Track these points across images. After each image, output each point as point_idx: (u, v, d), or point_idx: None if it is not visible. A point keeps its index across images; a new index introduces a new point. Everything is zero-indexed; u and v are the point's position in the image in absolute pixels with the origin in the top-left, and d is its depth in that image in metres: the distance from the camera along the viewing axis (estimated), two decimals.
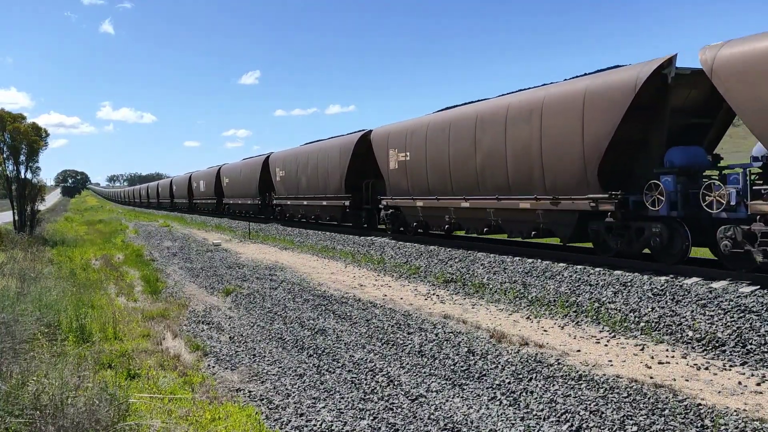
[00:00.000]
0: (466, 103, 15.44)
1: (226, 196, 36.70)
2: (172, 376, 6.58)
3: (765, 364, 6.21)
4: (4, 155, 25.05)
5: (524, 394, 5.70)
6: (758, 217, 8.68)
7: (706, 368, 6.19)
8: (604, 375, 6.03)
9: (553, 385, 5.86)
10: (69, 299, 9.57)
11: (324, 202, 22.56)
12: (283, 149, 28.41)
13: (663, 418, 4.95)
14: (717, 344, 6.81)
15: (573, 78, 11.91)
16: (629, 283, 9.22)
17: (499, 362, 6.61)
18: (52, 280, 11.63)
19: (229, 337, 8.43)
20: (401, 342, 7.65)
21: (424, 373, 6.47)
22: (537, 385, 5.88)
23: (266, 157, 29.50)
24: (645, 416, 5.01)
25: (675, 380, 5.85)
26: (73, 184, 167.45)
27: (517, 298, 9.73)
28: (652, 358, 6.57)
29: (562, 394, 5.62)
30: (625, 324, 7.87)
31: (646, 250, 10.70)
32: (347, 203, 20.70)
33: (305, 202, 24.36)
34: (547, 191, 11.80)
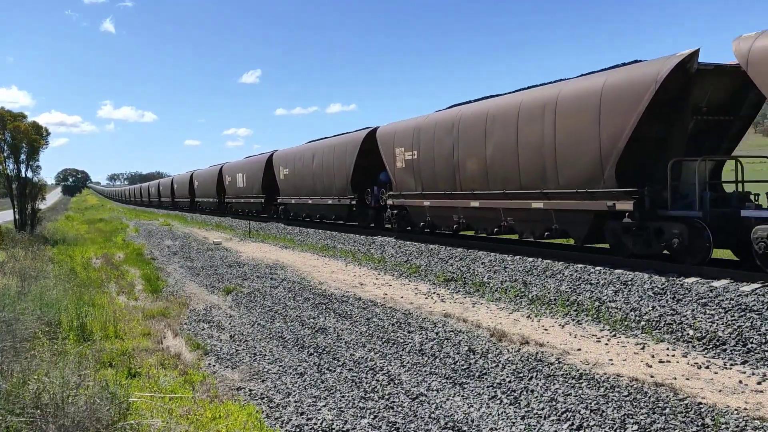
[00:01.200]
0: None
1: (284, 193, 26.33)
2: (172, 375, 6.58)
3: (766, 362, 6.21)
4: (5, 154, 25.06)
5: (525, 392, 5.70)
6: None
7: (707, 367, 6.19)
8: (605, 374, 6.03)
9: (554, 383, 5.87)
10: (69, 298, 9.58)
11: (539, 205, 11.86)
12: (402, 120, 17.62)
13: (663, 417, 4.95)
14: (718, 343, 6.81)
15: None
16: (630, 282, 9.21)
17: (500, 361, 6.61)
18: (53, 279, 11.64)
19: (230, 336, 8.43)
20: (402, 341, 7.65)
21: (425, 371, 6.47)
22: (537, 384, 5.88)
23: (369, 133, 19.03)
24: (645, 415, 5.01)
25: (675, 379, 5.85)
26: (74, 183, 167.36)
27: (518, 297, 9.73)
28: (653, 356, 6.57)
29: (562, 392, 5.63)
30: (626, 323, 7.87)
31: None
32: (630, 207, 9.85)
33: (476, 203, 13.73)
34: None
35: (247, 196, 31.79)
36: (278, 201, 27.03)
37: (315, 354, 7.35)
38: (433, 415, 5.30)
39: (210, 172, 41.19)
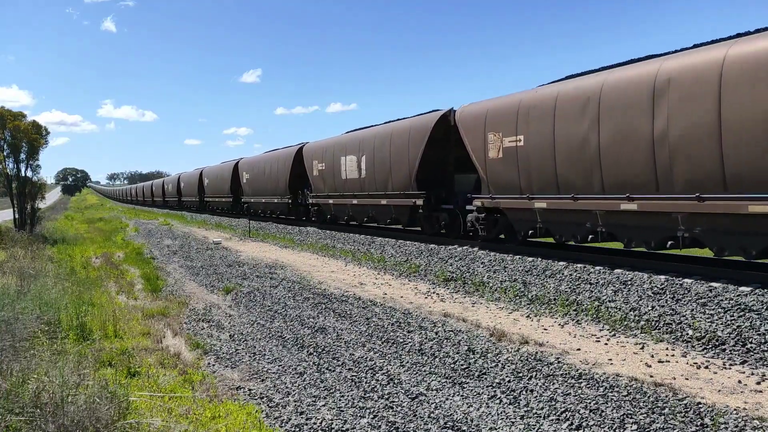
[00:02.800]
0: None
1: (500, 187, 13.08)
2: (172, 375, 6.58)
3: (765, 362, 6.21)
4: (5, 153, 25.04)
5: (524, 392, 5.71)
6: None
7: (706, 367, 6.20)
8: (604, 373, 6.04)
9: (553, 383, 5.87)
10: (69, 297, 9.57)
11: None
12: None
13: (663, 417, 4.95)
14: (717, 343, 6.81)
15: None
16: (629, 282, 9.22)
17: (499, 361, 6.62)
18: (52, 278, 11.63)
19: (229, 336, 8.43)
20: (401, 340, 7.66)
21: (424, 371, 6.48)
22: (537, 384, 5.89)
23: None
24: (645, 415, 5.02)
25: (675, 379, 5.85)
26: (74, 182, 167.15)
27: (518, 297, 9.74)
28: (652, 356, 6.57)
29: (562, 392, 5.63)
30: (625, 323, 7.87)
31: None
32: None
33: None
34: None
35: (371, 195, 18.52)
36: (481, 203, 13.75)
37: (314, 353, 7.35)
38: (432, 414, 5.30)
39: (273, 160, 27.55)
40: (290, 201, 25.65)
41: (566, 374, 6.07)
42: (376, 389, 5.99)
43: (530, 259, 11.93)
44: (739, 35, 9.02)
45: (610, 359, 6.53)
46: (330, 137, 22.97)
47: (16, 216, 26.09)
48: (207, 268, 14.85)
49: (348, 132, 22.04)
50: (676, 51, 9.90)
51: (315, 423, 5.20)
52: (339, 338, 7.95)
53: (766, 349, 6.46)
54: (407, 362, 6.79)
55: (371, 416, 5.32)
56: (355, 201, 19.89)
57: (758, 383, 5.68)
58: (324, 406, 5.61)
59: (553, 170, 11.40)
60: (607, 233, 10.75)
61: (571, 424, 4.97)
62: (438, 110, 16.11)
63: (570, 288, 9.56)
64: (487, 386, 5.94)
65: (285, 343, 7.93)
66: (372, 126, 20.32)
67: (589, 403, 5.33)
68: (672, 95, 9.20)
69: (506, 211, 13.13)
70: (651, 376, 5.91)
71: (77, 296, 9.84)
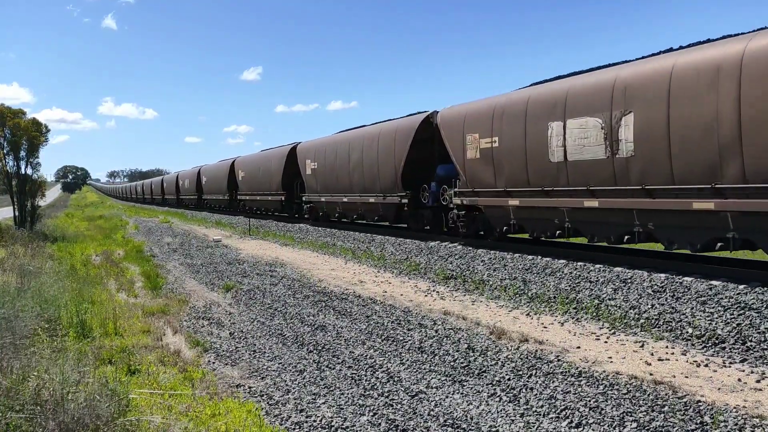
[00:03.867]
0: None
1: None
2: (172, 372, 6.59)
3: (765, 361, 6.21)
4: (5, 151, 25.02)
5: (524, 390, 5.71)
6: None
7: (706, 365, 6.20)
8: (604, 372, 6.04)
9: (553, 381, 5.87)
10: (69, 295, 9.58)
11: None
12: None
13: (662, 415, 4.95)
14: (717, 341, 6.81)
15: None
16: (629, 280, 9.22)
17: (499, 359, 6.62)
18: (52, 276, 11.63)
19: (230, 333, 8.43)
20: (401, 338, 7.66)
21: (424, 369, 6.48)
22: (537, 382, 5.89)
23: None
24: (644, 413, 5.02)
25: (675, 377, 5.85)
26: (74, 180, 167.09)
27: (517, 295, 9.74)
28: (652, 354, 6.57)
29: (561, 390, 5.63)
30: (625, 321, 7.87)
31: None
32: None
33: None
34: None
35: (649, 190, 9.67)
36: None
37: (314, 351, 7.35)
38: (432, 412, 5.31)
39: (363, 143, 19.16)
40: (405, 201, 16.92)
41: (566, 372, 6.08)
42: (375, 387, 6.00)
43: (530, 257, 11.93)
44: None
45: (610, 357, 6.54)
46: (501, 94, 13.72)
47: (16, 213, 26.09)
48: (207, 266, 14.86)
49: (549, 80, 12.66)
50: None
51: (315, 421, 5.21)
52: (339, 336, 7.95)
53: (765, 347, 6.46)
54: (407, 360, 6.80)
55: (371, 414, 5.32)
56: (592, 203, 10.89)
57: (758, 381, 5.68)
58: (324, 403, 5.62)
59: None
60: None
61: (571, 422, 4.97)
62: None
63: (570, 286, 9.56)
64: (486, 384, 5.95)
65: (285, 340, 7.93)
66: (636, 59, 10.63)
67: (589, 401, 5.33)
68: None
69: None
70: (651, 374, 5.92)
71: (77, 294, 9.84)
